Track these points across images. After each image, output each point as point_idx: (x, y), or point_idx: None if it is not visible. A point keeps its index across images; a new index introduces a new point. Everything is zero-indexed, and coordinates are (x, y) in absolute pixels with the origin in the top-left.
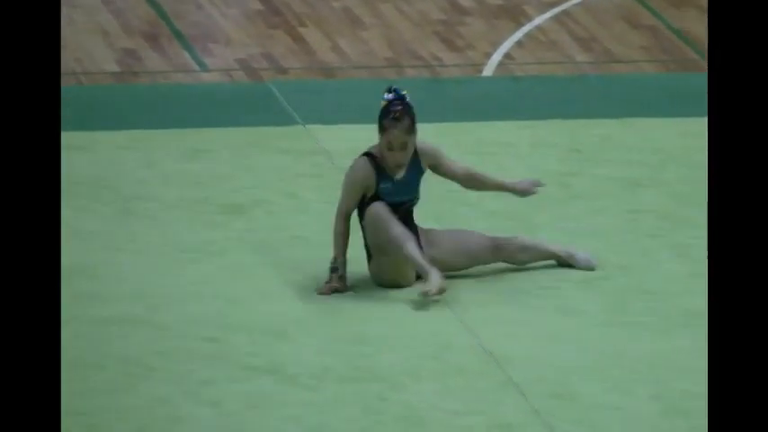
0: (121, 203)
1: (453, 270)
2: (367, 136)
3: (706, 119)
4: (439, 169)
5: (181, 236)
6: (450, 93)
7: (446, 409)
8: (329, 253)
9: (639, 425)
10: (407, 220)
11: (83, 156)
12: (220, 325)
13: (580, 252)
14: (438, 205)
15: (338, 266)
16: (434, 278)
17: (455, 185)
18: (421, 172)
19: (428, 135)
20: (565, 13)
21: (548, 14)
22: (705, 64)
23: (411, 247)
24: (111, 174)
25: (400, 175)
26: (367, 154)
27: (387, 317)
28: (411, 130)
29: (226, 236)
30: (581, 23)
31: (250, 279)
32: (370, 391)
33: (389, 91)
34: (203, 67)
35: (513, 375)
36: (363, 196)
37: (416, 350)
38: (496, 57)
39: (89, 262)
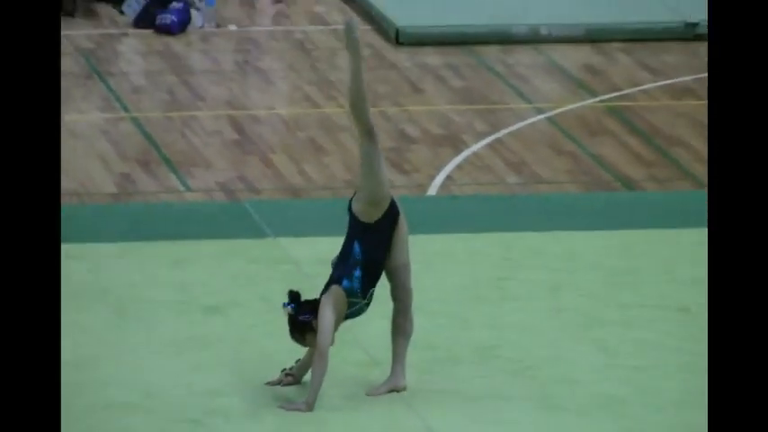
0: (116, 304)
1: None
2: (329, 247)
3: (621, 231)
4: None
5: (168, 332)
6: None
7: None
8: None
9: None
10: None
11: (82, 264)
12: (204, 410)
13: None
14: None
15: (294, 367)
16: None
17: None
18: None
19: None
20: (498, 140)
21: (483, 142)
22: (619, 185)
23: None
24: (107, 279)
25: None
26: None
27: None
28: (301, 336)
29: (207, 332)
30: (512, 150)
31: (229, 369)
32: None
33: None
34: (187, 188)
35: None
36: None
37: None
38: (439, 179)
39: (88, 355)
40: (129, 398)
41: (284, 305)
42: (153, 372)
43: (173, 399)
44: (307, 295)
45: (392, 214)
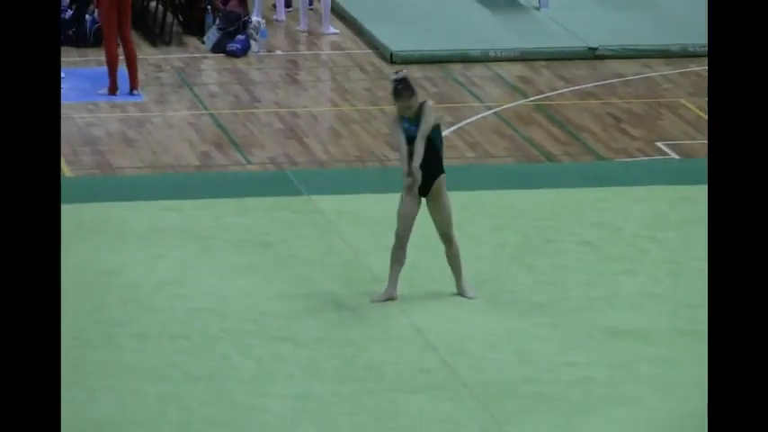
0: (200, 242)
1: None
2: (346, 202)
3: (545, 189)
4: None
5: (235, 259)
6: (393, 175)
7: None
8: (329, 279)
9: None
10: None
11: (176, 214)
12: (260, 312)
13: (467, 295)
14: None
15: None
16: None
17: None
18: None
19: (378, 202)
20: (461, 128)
21: (451, 129)
22: (546, 161)
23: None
24: (194, 224)
25: (410, 113)
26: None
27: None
28: (409, 97)
29: (262, 260)
30: (470, 135)
31: (277, 285)
32: (346, 350)
33: (395, 73)
34: (248, 162)
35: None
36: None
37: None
38: None
39: (178, 276)
40: (207, 304)
41: (398, 73)
42: (224, 287)
43: (238, 305)
44: (325, 235)
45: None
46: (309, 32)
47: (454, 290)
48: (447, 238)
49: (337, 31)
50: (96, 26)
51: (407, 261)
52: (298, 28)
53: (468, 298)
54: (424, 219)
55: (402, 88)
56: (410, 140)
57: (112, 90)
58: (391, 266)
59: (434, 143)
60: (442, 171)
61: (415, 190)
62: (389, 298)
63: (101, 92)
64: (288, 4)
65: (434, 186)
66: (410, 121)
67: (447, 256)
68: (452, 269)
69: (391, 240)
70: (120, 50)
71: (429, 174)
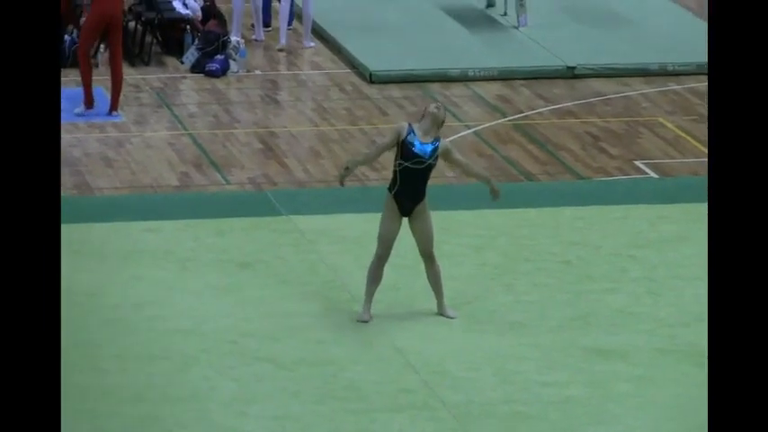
0: (178, 262)
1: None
2: (325, 222)
3: (524, 209)
4: (448, 158)
5: (213, 280)
6: (372, 195)
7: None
8: (308, 299)
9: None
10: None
11: (155, 234)
12: (239, 333)
13: (447, 315)
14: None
15: (349, 165)
16: None
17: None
18: (436, 150)
19: (358, 222)
20: None
21: None
22: (525, 180)
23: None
24: (172, 244)
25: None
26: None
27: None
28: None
29: (240, 280)
30: None
31: (256, 306)
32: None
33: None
34: (227, 182)
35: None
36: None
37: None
38: None
39: (158, 297)
40: (186, 325)
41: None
42: (203, 308)
43: (217, 326)
44: (305, 255)
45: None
46: (288, 52)
47: (434, 309)
48: (429, 256)
49: (314, 44)
50: (75, 46)
51: (386, 281)
52: (277, 46)
53: (449, 317)
54: (402, 239)
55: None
56: (411, 156)
57: (89, 104)
58: (369, 285)
59: (429, 175)
60: (425, 195)
61: (397, 210)
62: (366, 320)
63: (76, 111)
64: (267, 24)
65: (418, 207)
66: (421, 138)
67: (428, 276)
68: (433, 289)
69: (370, 260)
70: (104, 70)
71: (418, 197)
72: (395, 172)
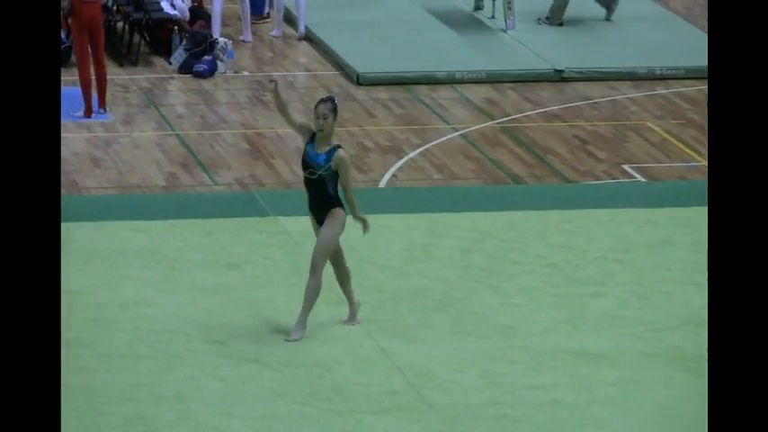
0: (165, 262)
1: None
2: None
3: (510, 212)
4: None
5: (201, 280)
6: (360, 197)
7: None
8: (295, 301)
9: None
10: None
11: (142, 234)
12: (225, 334)
13: (294, 335)
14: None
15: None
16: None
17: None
18: (329, 160)
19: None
20: (427, 150)
21: (417, 151)
22: (513, 183)
23: None
24: (160, 245)
25: (321, 149)
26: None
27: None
28: (332, 108)
29: (228, 281)
30: (436, 156)
31: (243, 306)
32: (312, 371)
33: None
34: (214, 183)
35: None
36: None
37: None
38: (386, 176)
39: (145, 297)
40: (172, 325)
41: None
42: (190, 308)
43: (204, 326)
44: (291, 256)
45: None
46: (284, 37)
47: (420, 311)
48: (312, 267)
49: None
50: (63, 46)
51: (371, 283)
52: (272, 34)
53: (290, 338)
54: (384, 241)
55: (327, 98)
56: (306, 165)
57: (87, 112)
58: (341, 287)
59: (329, 185)
60: (338, 205)
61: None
62: (357, 308)
63: (76, 114)
64: (261, 14)
65: (328, 215)
66: (316, 148)
67: (305, 288)
68: (304, 299)
69: (356, 262)
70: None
71: (323, 206)
72: None
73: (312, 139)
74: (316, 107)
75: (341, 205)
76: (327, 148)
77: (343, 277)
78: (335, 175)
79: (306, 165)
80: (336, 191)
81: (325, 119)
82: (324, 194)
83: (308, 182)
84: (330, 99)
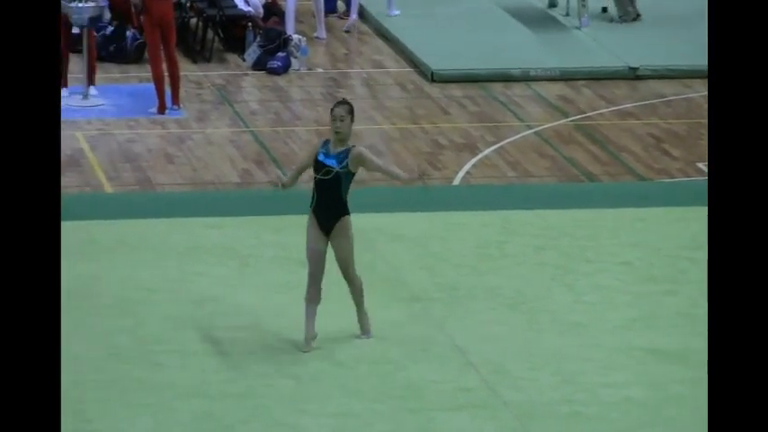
0: (239, 258)
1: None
2: (384, 222)
3: (586, 210)
4: (364, 164)
5: (273, 277)
6: (434, 194)
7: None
8: (368, 297)
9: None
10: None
11: (216, 231)
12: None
13: (365, 334)
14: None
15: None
16: None
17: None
18: (345, 158)
19: (418, 221)
20: (501, 148)
21: (491, 149)
22: (587, 181)
23: None
24: (234, 241)
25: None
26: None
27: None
28: (349, 110)
29: (301, 278)
30: (510, 154)
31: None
32: (385, 368)
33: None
34: None
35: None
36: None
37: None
38: (461, 173)
39: (215, 294)
40: (245, 322)
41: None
42: (263, 305)
43: (277, 323)
44: (364, 252)
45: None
46: (359, 34)
47: (494, 309)
48: (347, 277)
49: (398, 12)
50: (137, 42)
51: (445, 281)
52: (315, 35)
53: (362, 337)
54: (458, 239)
55: (344, 101)
56: (319, 167)
57: (161, 109)
58: (306, 306)
59: (342, 187)
60: (346, 213)
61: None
62: (312, 338)
63: (151, 110)
64: (333, 11)
65: (338, 224)
66: (328, 152)
67: (351, 294)
68: (356, 306)
69: (431, 260)
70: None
71: (333, 212)
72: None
73: (323, 146)
74: (332, 110)
75: (348, 212)
76: (342, 149)
77: (313, 295)
78: (351, 175)
79: (320, 166)
80: (347, 196)
81: (342, 120)
82: (335, 198)
83: (320, 183)
84: (347, 102)
